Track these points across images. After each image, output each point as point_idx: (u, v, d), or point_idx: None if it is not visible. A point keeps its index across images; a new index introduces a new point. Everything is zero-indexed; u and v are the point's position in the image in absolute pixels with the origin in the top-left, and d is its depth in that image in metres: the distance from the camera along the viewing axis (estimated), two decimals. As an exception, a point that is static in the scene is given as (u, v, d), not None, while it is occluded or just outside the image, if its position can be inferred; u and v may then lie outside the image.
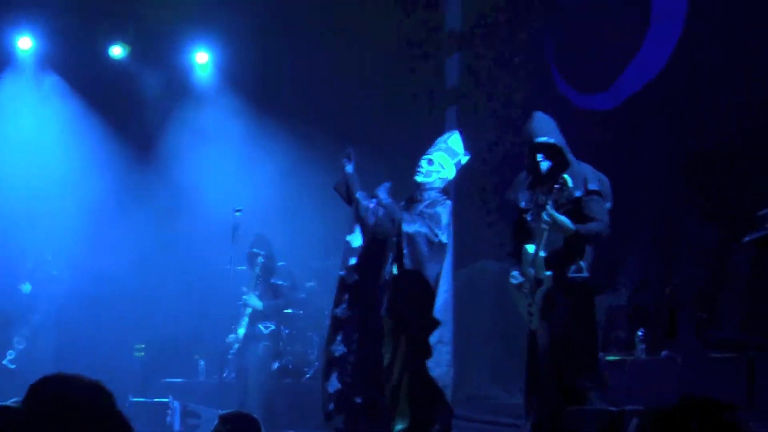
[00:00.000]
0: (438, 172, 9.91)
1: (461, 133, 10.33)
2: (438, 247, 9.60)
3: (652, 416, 2.66)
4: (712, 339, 10.67)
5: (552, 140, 8.93)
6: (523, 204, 9.09)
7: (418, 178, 9.86)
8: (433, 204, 9.79)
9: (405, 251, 9.60)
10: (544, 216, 8.56)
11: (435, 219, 9.66)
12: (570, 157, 8.89)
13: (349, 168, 10.12)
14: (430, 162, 9.89)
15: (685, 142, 11.88)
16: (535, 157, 8.97)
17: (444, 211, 9.73)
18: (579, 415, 7.96)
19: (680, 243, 11.98)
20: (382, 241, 9.89)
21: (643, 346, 10.99)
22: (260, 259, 13.06)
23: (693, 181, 11.74)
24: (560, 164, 8.89)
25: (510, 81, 14.35)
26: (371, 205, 10.00)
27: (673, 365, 10.32)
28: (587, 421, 7.75)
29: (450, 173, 9.97)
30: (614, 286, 11.93)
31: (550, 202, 8.57)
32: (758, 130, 10.93)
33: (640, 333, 11.06)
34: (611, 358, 11.03)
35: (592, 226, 8.71)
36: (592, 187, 8.75)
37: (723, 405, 2.63)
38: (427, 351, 9.44)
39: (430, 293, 9.53)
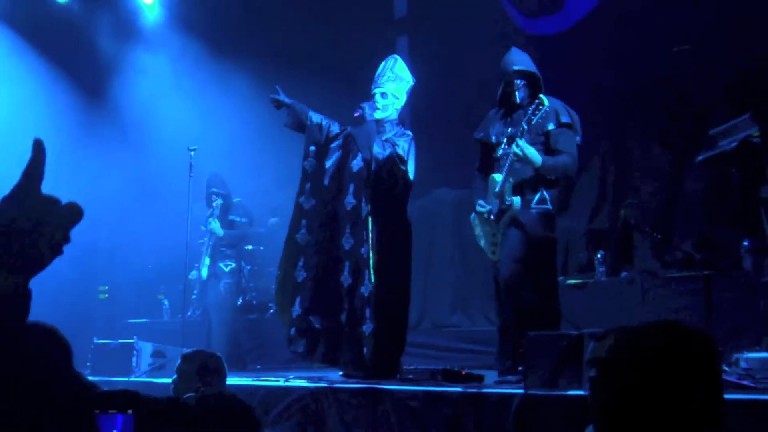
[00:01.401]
0: (393, 103, 9.91)
1: (408, 61, 10.33)
2: (403, 177, 9.65)
3: (626, 339, 2.68)
4: (669, 259, 10.77)
5: (530, 69, 9.05)
6: (494, 139, 9.13)
7: (377, 115, 9.84)
8: (398, 136, 9.81)
9: (373, 176, 9.63)
10: (514, 147, 8.59)
11: (403, 151, 9.69)
12: (543, 89, 8.99)
13: (286, 99, 10.12)
14: (384, 95, 9.88)
15: (634, 66, 11.89)
16: (512, 85, 9.02)
17: (408, 145, 9.74)
18: (539, 339, 8.02)
19: (634, 165, 12.03)
20: (341, 167, 9.92)
21: (603, 268, 11.08)
22: (218, 201, 13.12)
23: (643, 104, 11.77)
24: (534, 94, 8.97)
25: (458, 9, 14.27)
26: (324, 121, 10.03)
27: (632, 286, 10.40)
28: (547, 345, 7.79)
29: (402, 101, 9.99)
30: (570, 209, 12.00)
31: (522, 131, 8.61)
32: (709, 50, 10.95)
33: (599, 255, 11.14)
34: (572, 281, 11.10)
35: (560, 159, 8.80)
36: (564, 119, 8.83)
37: (694, 332, 2.65)
38: (399, 281, 9.60)
39: (401, 224, 9.64)
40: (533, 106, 8.59)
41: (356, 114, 9.81)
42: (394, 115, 9.94)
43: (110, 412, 2.10)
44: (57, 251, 2.01)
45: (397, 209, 9.70)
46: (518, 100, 9.03)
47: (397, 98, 9.91)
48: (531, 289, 8.69)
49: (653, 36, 11.70)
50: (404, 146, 9.73)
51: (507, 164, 8.75)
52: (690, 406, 2.49)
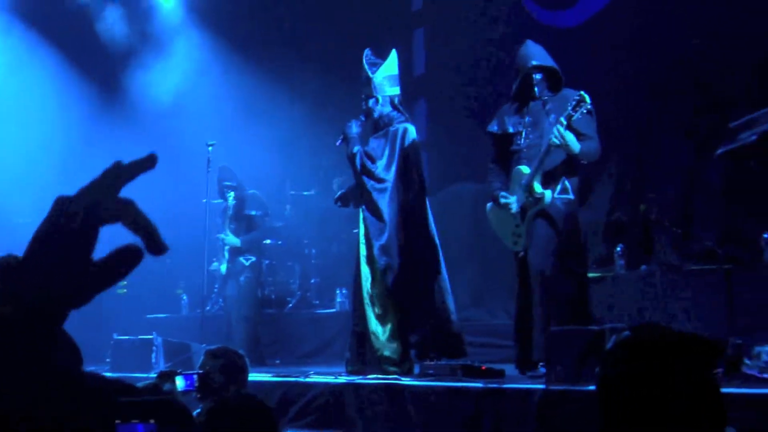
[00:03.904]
0: (374, 102, 10.01)
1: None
2: (369, 174, 9.84)
3: (620, 342, 2.67)
4: (689, 252, 10.72)
5: (548, 63, 9.08)
6: (511, 129, 9.13)
7: (374, 116, 10.04)
8: (386, 128, 9.98)
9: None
10: (554, 135, 8.60)
11: (374, 152, 9.90)
12: (563, 81, 9.05)
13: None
14: (364, 101, 10.05)
15: (654, 58, 11.83)
16: (530, 80, 9.01)
17: (386, 140, 9.90)
18: (561, 334, 8.02)
19: (653, 158, 11.97)
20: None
21: (622, 261, 11.03)
22: (232, 197, 13.15)
23: (663, 97, 11.71)
24: (553, 87, 9.00)
25: (475, 1, 14.20)
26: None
27: (652, 280, 10.36)
28: (569, 340, 7.81)
29: (385, 90, 10.04)
30: (589, 202, 11.96)
31: (562, 119, 8.63)
32: (729, 42, 10.90)
33: (618, 249, 11.08)
34: (591, 275, 11.05)
35: (591, 145, 8.82)
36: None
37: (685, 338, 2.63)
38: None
39: (380, 216, 9.82)
40: (574, 102, 8.60)
41: (338, 143, 10.05)
42: (385, 109, 10.01)
43: (132, 421, 2.06)
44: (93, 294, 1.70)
45: (375, 202, 9.83)
46: (537, 94, 9.04)
47: (375, 95, 9.99)
48: (565, 282, 8.71)
49: (673, 27, 11.65)
50: (377, 144, 9.89)
51: (539, 155, 8.77)
52: (682, 410, 2.47)
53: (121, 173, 1.70)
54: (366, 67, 10.02)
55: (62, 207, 1.65)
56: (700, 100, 11.19)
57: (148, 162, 1.71)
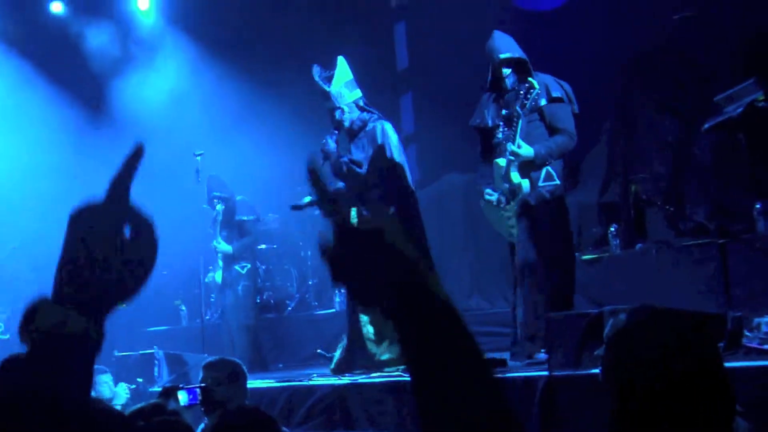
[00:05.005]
0: (341, 111, 9.99)
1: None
2: (359, 180, 9.91)
3: (625, 330, 2.64)
4: (682, 228, 10.74)
5: (516, 55, 9.04)
6: (490, 122, 9.14)
7: (346, 124, 10.01)
8: (361, 131, 9.99)
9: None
10: (508, 154, 8.64)
11: (358, 157, 9.94)
12: (531, 71, 8.99)
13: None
14: (333, 112, 10.04)
15: (636, 36, 11.83)
16: (500, 72, 9.00)
17: (367, 142, 9.91)
18: (560, 319, 8.03)
19: (642, 135, 11.97)
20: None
21: (617, 241, 11.02)
22: (220, 205, 13.07)
23: (649, 72, 11.70)
24: (524, 77, 8.98)
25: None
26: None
27: (647, 258, 10.37)
28: (569, 325, 7.80)
29: (347, 96, 10.03)
30: (579, 184, 11.97)
31: (513, 136, 8.67)
32: (711, 14, 10.90)
33: (612, 229, 11.08)
34: (587, 257, 11.06)
35: (555, 142, 8.84)
36: (555, 94, 8.83)
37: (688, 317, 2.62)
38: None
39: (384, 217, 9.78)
40: (524, 91, 8.63)
41: (321, 164, 10.15)
42: (354, 115, 10.02)
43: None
44: (139, 285, 1.64)
45: (378, 205, 9.84)
46: (509, 87, 9.04)
47: (339, 106, 9.99)
48: (552, 271, 8.73)
49: (653, 3, 11.65)
50: (358, 149, 9.96)
51: (509, 148, 8.77)
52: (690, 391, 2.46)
53: (119, 185, 1.61)
54: (320, 83, 10.01)
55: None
56: (685, 74, 11.20)
57: (135, 157, 1.62)
